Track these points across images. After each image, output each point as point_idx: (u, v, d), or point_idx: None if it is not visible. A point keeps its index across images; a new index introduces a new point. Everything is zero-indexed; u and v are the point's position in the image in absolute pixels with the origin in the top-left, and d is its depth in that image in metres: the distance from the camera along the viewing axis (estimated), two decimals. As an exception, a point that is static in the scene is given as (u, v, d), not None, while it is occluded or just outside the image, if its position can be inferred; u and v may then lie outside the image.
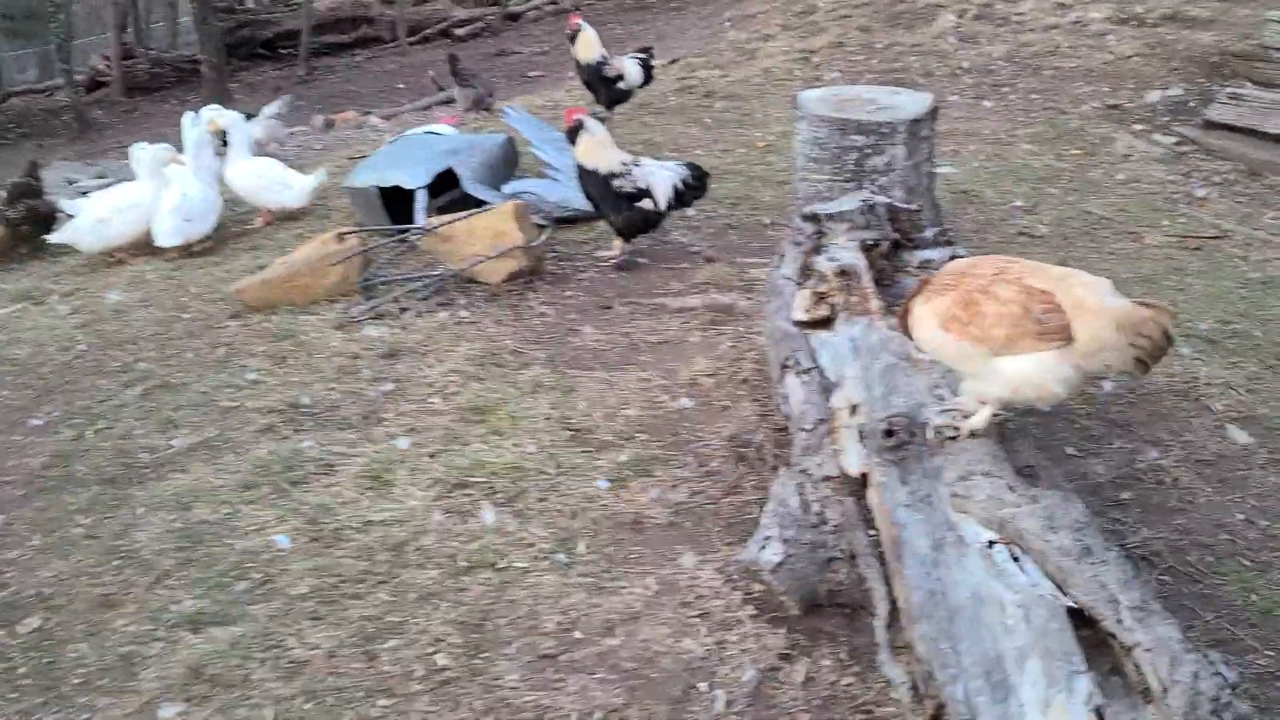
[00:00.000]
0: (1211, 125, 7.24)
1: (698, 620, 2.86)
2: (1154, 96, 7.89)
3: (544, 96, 10.22)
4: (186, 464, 3.82)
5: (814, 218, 3.92)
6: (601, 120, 8.58)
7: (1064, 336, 2.40)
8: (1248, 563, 3.14)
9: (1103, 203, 6.06)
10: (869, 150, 4.26)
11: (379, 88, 15.67)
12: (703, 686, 2.62)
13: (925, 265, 3.60)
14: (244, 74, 18.22)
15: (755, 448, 3.58)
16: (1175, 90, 7.95)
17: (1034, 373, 2.44)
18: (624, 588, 3.00)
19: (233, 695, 2.69)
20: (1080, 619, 2.20)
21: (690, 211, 5.98)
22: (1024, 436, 2.87)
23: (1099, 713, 1.99)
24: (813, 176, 4.37)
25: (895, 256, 3.75)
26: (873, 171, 4.30)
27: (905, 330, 2.81)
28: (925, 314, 2.66)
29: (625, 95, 8.50)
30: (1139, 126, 7.40)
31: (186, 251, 6.25)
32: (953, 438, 2.71)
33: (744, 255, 5.35)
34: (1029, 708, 2.04)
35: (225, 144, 6.70)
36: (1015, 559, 2.35)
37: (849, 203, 3.82)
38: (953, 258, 3.71)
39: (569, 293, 5.10)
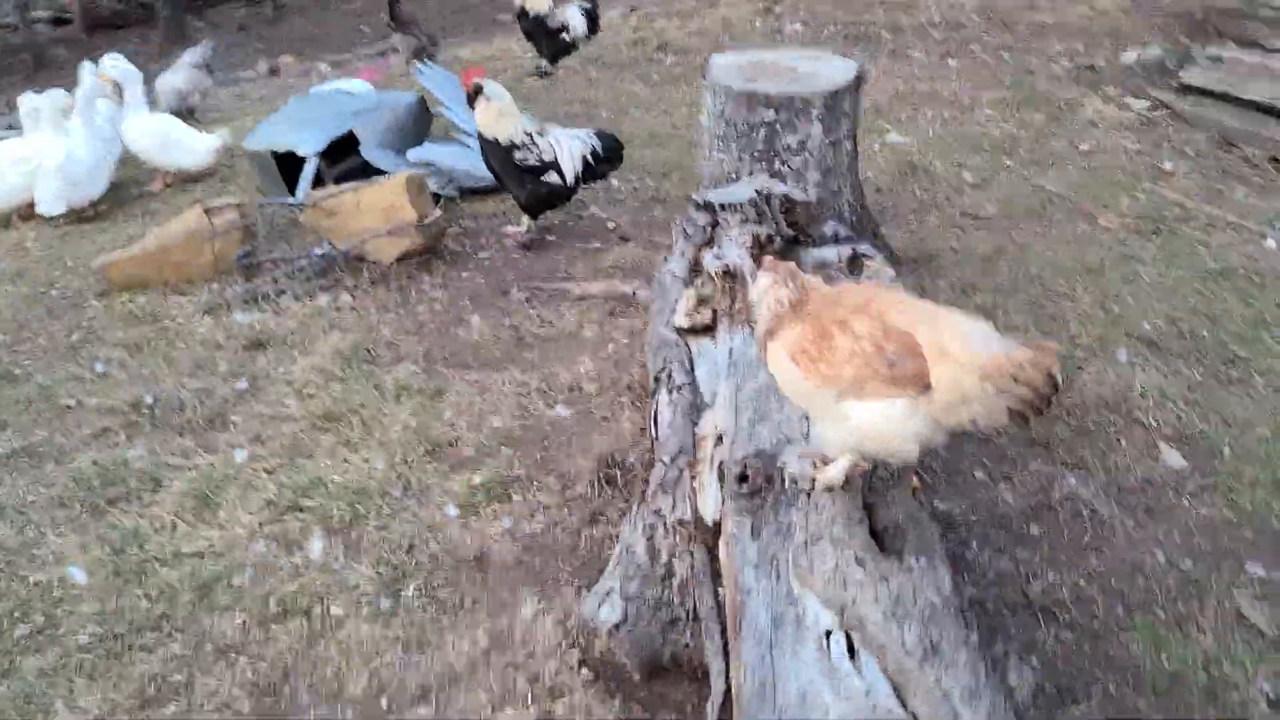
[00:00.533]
0: (1187, 89, 6.74)
1: (525, 685, 2.50)
2: (1131, 56, 7.39)
3: (496, 46, 9.67)
4: (2, 474, 3.44)
5: (707, 206, 3.49)
6: (545, 74, 8.14)
7: (918, 384, 2.00)
8: (1162, 614, 2.78)
9: (1061, 176, 5.61)
10: (780, 126, 3.80)
11: (345, 30, 15.06)
12: (513, 773, 2.28)
13: (821, 266, 3.17)
14: (210, 13, 17.54)
15: (626, 470, 3.21)
16: (1154, 50, 7.44)
17: (882, 422, 2.04)
18: (449, 641, 2.64)
19: (-28, 776, 2.34)
20: (920, 733, 1.83)
21: (614, 183, 5.55)
22: (898, 483, 2.48)
23: None
24: (718, 155, 3.90)
25: (792, 254, 3.32)
26: (785, 150, 3.84)
27: (763, 357, 2.40)
28: (777, 343, 2.25)
29: (569, 47, 7.99)
30: (1111, 89, 6.90)
31: (77, 216, 5.80)
32: (808, 491, 2.32)
33: (664, 235, 4.91)
34: None
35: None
36: (854, 653, 1.97)
37: (741, 191, 3.38)
38: (854, 255, 3.30)
39: (466, 274, 4.68)
